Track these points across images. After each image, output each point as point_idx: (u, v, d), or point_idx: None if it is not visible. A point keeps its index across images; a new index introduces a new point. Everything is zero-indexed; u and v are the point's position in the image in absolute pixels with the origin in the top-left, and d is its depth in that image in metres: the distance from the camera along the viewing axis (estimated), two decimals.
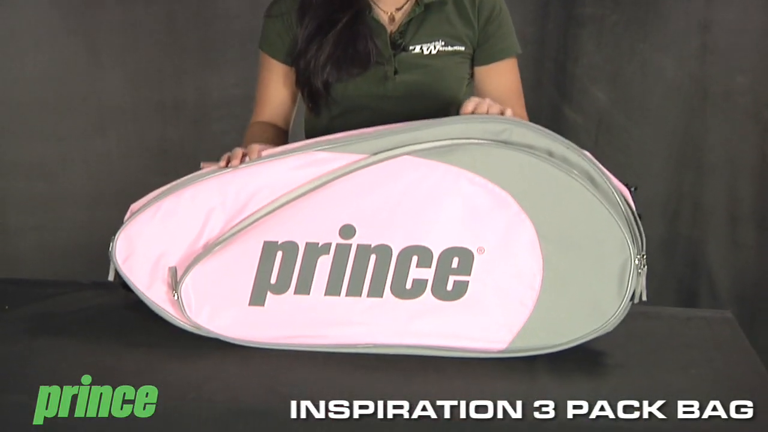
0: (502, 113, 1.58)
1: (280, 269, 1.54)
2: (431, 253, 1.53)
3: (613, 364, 1.53)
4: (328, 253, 1.54)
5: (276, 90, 1.94)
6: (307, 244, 1.54)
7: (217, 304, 1.56)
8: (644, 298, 1.55)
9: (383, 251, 1.53)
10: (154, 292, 1.59)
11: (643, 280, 1.53)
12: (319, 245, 1.54)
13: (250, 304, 1.56)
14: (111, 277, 1.61)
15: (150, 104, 3.06)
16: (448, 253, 1.53)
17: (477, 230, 1.53)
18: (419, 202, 1.53)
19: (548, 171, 1.51)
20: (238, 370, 1.49)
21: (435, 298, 1.54)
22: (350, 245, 1.53)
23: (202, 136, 3.08)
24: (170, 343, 1.56)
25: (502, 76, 1.90)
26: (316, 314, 1.55)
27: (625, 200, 1.53)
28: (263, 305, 1.55)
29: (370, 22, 1.84)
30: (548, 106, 3.04)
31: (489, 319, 1.54)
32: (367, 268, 1.54)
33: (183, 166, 2.99)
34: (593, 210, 1.51)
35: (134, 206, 1.61)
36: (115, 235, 1.59)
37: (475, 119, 1.54)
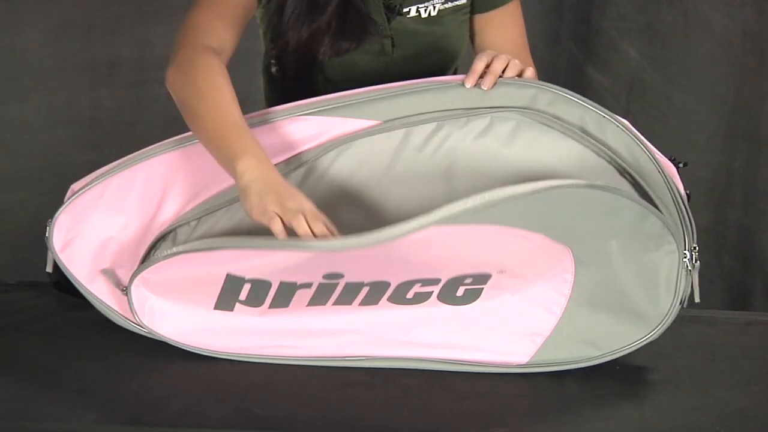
0: (521, 73, 1.60)
1: (248, 297, 1.53)
2: (439, 279, 1.52)
3: (658, 380, 1.55)
4: (309, 288, 1.51)
5: (229, 23, 1.70)
6: (281, 283, 1.51)
7: (175, 303, 1.57)
8: (696, 299, 1.56)
9: (379, 285, 1.51)
10: (98, 286, 1.60)
11: (695, 277, 1.55)
12: (297, 284, 1.51)
13: (216, 307, 1.56)
14: (49, 268, 1.62)
15: (78, 63, 3.05)
16: (458, 277, 1.52)
17: (498, 259, 1.52)
18: (431, 249, 1.47)
19: (588, 197, 1.46)
20: (202, 388, 1.49)
21: (442, 303, 1.55)
22: (336, 284, 1.50)
23: (143, 101, 3.07)
24: (118, 354, 1.57)
25: (504, 26, 1.90)
26: (298, 320, 1.56)
27: (673, 182, 1.55)
28: (232, 310, 1.55)
29: None
30: (568, 66, 3.05)
31: (508, 327, 1.55)
32: (359, 293, 1.52)
33: (120, 139, 3.04)
34: (634, 215, 1.50)
35: (75, 186, 1.61)
36: (52, 218, 1.60)
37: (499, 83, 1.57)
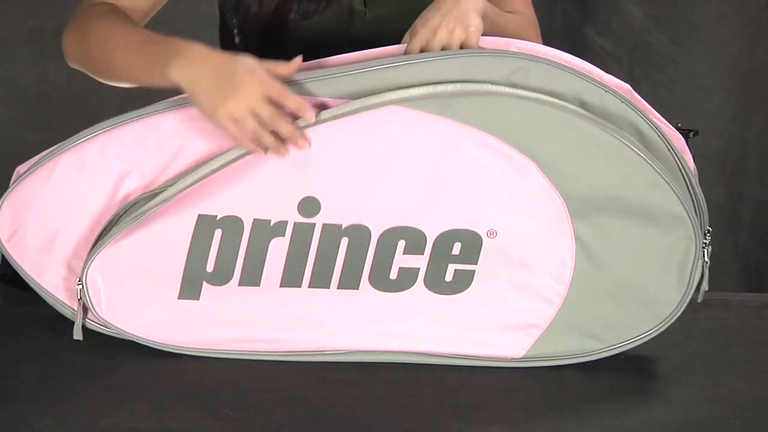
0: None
1: (219, 253, 1.55)
2: (424, 237, 1.54)
3: (667, 370, 1.57)
4: (284, 235, 1.55)
5: None
6: (254, 221, 1.54)
7: (135, 296, 1.57)
8: (705, 287, 1.57)
9: (358, 233, 1.54)
10: (49, 279, 1.60)
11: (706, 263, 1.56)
12: (272, 224, 1.54)
13: (180, 297, 1.57)
14: None
15: (22, 33, 3.04)
16: (446, 238, 1.54)
17: (487, 208, 1.53)
18: (409, 170, 1.53)
19: (583, 130, 1.50)
20: (167, 388, 1.50)
21: (429, 291, 1.56)
22: (313, 225, 1.54)
23: None
24: (73, 352, 1.57)
25: None
26: (269, 310, 1.57)
27: (683, 158, 1.55)
28: (198, 298, 1.56)
29: None
30: (564, 27, 3.05)
31: (501, 318, 1.56)
32: (337, 254, 1.55)
33: (71, 117, 3.03)
34: (643, 179, 1.52)
35: (21, 168, 1.60)
36: None
37: (480, 53, 1.52)
